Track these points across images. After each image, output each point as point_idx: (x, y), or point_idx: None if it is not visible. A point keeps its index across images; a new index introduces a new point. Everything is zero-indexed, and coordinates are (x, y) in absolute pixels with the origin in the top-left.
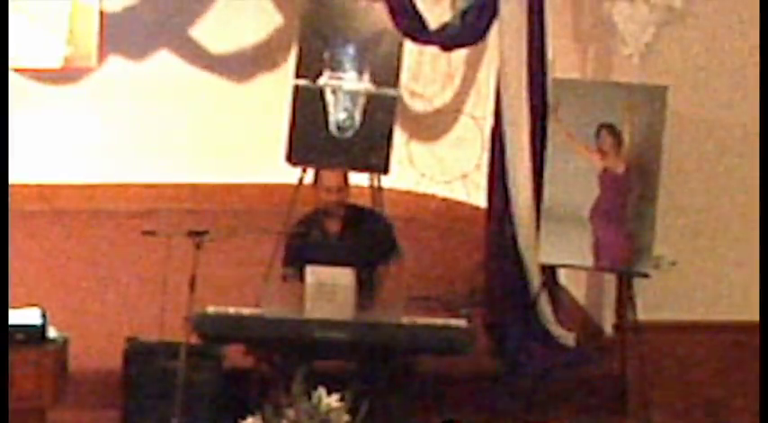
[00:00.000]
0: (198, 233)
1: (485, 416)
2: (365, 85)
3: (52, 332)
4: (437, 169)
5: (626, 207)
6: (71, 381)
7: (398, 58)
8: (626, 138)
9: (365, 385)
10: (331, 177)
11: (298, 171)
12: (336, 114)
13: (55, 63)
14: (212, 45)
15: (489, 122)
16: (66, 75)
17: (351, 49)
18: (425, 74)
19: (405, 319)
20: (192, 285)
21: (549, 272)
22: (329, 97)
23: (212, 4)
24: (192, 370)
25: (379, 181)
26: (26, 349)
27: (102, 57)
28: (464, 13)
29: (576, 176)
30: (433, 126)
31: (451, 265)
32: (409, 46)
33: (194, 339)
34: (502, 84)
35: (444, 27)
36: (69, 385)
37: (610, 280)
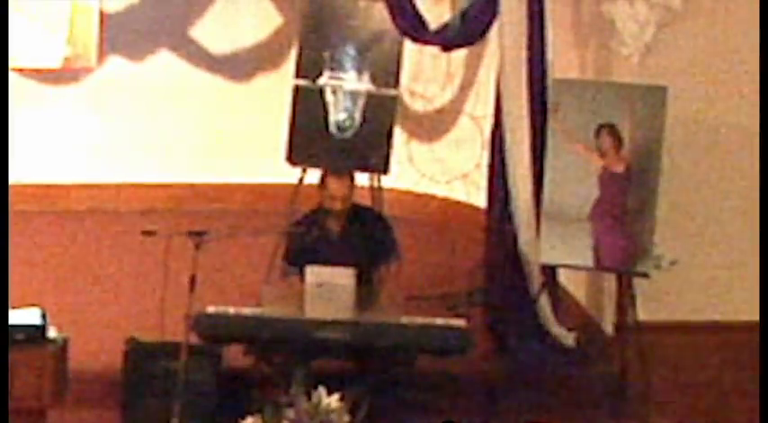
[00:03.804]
0: (198, 233)
1: (485, 416)
2: (365, 85)
3: (52, 332)
4: (437, 169)
5: (626, 207)
6: (71, 381)
7: (398, 58)
8: (626, 138)
9: (365, 385)
10: (338, 186)
11: (298, 171)
12: (336, 114)
13: (55, 63)
14: (212, 45)
15: (489, 122)
16: (66, 75)
17: (351, 49)
18: (425, 74)
19: (405, 319)
20: (191, 285)
21: (549, 272)
22: (329, 97)
23: (212, 4)
24: (192, 370)
25: (379, 181)
26: (26, 349)
27: (102, 57)
28: (464, 13)
29: (576, 176)
30: (433, 126)
31: (451, 265)
32: (409, 46)
33: (194, 339)
34: (502, 84)
35: (444, 27)
36: (69, 385)
37: (610, 280)
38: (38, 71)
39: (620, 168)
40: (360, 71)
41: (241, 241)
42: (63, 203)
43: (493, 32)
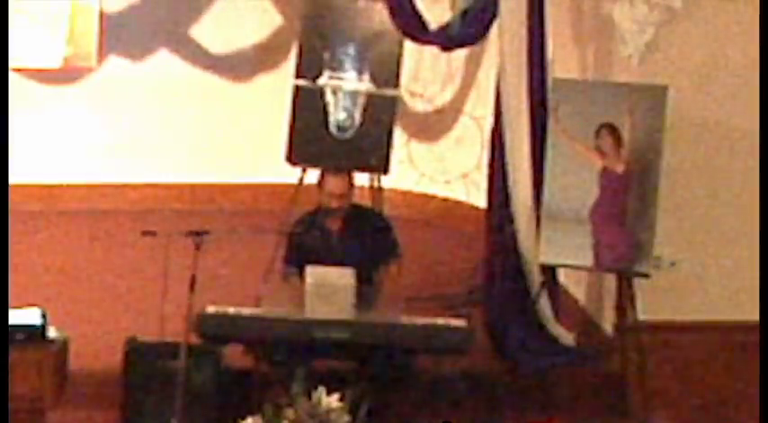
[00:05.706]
0: (198, 233)
1: (485, 416)
2: (365, 85)
3: (52, 332)
4: (437, 169)
5: (626, 207)
6: (71, 381)
7: (398, 58)
8: (626, 138)
9: (365, 385)
10: (336, 183)
11: (298, 171)
12: (336, 114)
13: (55, 63)
14: (212, 45)
15: (489, 122)
16: (66, 75)
17: (351, 49)
18: (425, 74)
19: (405, 319)
20: (192, 285)
21: (549, 272)
22: (329, 97)
23: (212, 4)
24: (192, 370)
25: (379, 181)
26: (26, 349)
27: (102, 57)
28: (464, 13)
29: (576, 176)
30: (433, 126)
31: (451, 265)
32: (409, 46)
33: (194, 339)
34: (502, 84)
35: (444, 27)
36: (69, 385)
37: (610, 280)
38: (38, 71)
39: (620, 168)
40: (360, 71)
41: (241, 241)
42: (63, 203)
43: (493, 32)
